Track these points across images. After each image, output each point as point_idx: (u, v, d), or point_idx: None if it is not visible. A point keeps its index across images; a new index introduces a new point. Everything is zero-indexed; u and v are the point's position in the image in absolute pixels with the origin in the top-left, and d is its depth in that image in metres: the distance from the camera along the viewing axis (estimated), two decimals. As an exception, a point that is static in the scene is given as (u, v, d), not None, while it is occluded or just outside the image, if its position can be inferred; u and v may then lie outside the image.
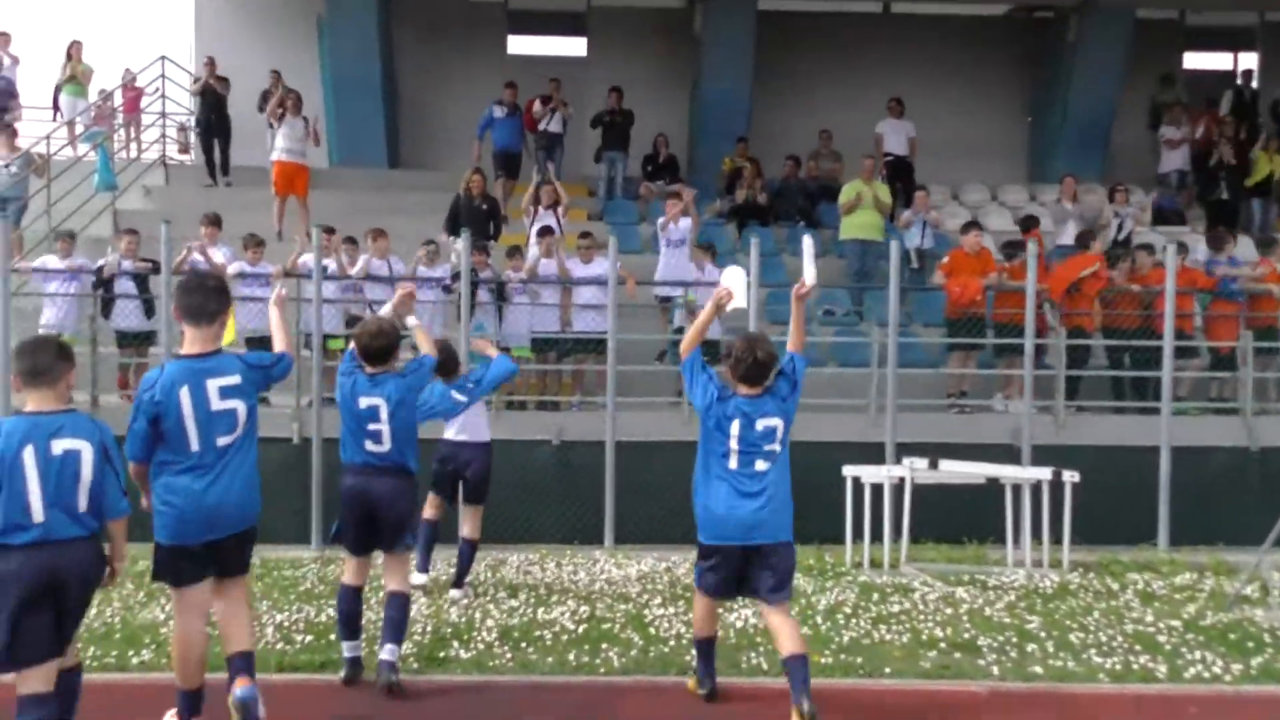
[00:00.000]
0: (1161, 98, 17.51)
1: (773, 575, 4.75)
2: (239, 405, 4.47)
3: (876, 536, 8.13)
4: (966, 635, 5.91)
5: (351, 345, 5.43)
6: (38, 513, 3.91)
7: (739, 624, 6.22)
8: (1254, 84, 17.75)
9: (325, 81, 16.15)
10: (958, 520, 8.89)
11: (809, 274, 5.23)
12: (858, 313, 12.76)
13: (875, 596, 6.90)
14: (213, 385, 4.41)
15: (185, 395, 4.35)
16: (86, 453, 4.01)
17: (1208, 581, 7.59)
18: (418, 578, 6.92)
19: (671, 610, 6.47)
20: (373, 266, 10.27)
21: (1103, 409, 10.62)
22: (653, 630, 6.02)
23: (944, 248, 12.96)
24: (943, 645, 5.74)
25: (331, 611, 5.96)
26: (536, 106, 14.78)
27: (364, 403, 5.22)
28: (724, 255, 12.12)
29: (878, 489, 8.17)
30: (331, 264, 9.93)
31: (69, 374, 4.21)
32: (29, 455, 3.93)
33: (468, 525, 7.07)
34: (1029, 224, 12.27)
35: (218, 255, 9.97)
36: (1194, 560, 8.49)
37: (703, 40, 16.28)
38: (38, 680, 3.93)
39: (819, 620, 6.25)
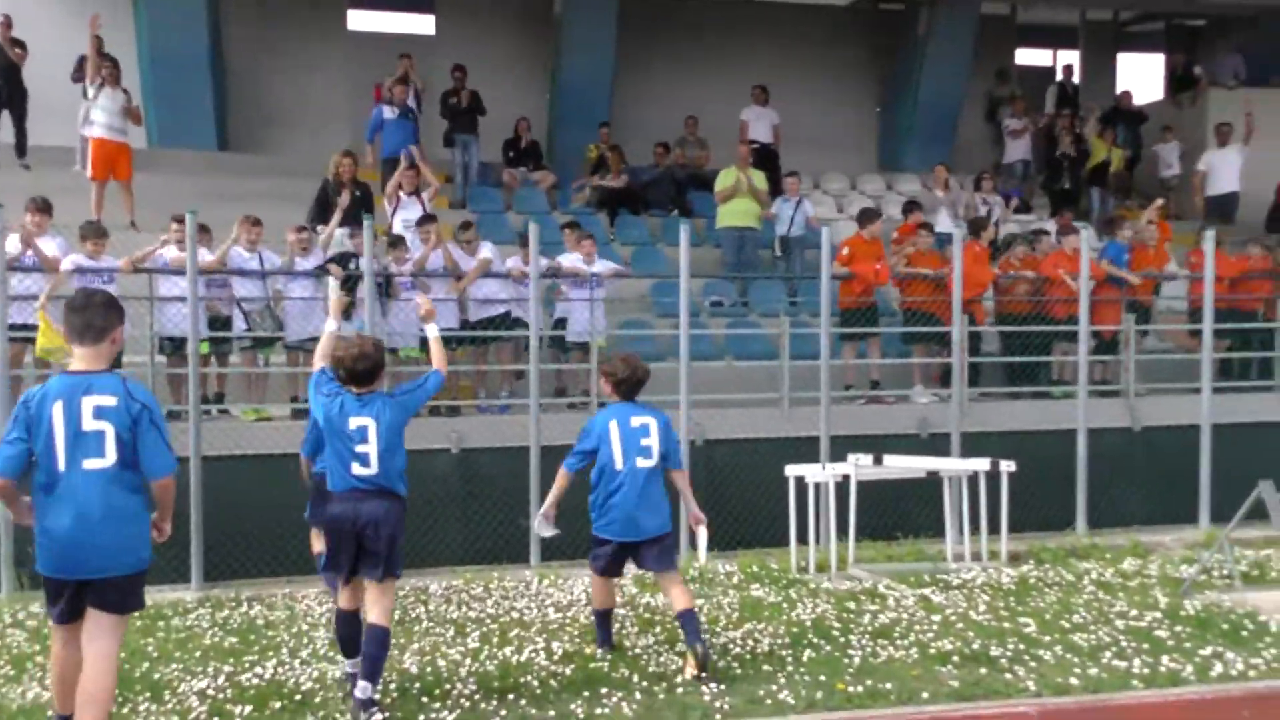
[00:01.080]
0: (998, 91, 18.17)
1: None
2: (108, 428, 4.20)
3: (803, 538, 7.77)
4: (975, 645, 5.57)
5: (325, 364, 5.19)
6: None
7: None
8: (1075, 79, 18.65)
9: (142, 55, 14.40)
10: (884, 516, 8.68)
11: None
12: (744, 303, 12.43)
13: (851, 606, 6.50)
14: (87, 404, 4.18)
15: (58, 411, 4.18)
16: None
17: (1152, 566, 7.62)
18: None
19: (650, 639, 5.84)
20: (237, 259, 9.05)
21: (1000, 395, 10.69)
22: (646, 666, 5.37)
23: (813, 236, 12.93)
24: (955, 659, 5.38)
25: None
26: (398, 89, 13.68)
27: (354, 423, 4.99)
28: (601, 247, 11.54)
29: (809, 488, 7.80)
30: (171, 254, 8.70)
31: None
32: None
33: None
34: (910, 209, 12.31)
35: (49, 247, 8.50)
36: (1113, 543, 8.61)
37: (564, 22, 15.54)
38: None
39: (816, 640, 5.76)
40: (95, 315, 4.27)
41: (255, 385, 9.21)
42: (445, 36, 16.70)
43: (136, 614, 4.66)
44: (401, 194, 10.71)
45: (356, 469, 4.97)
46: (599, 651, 5.66)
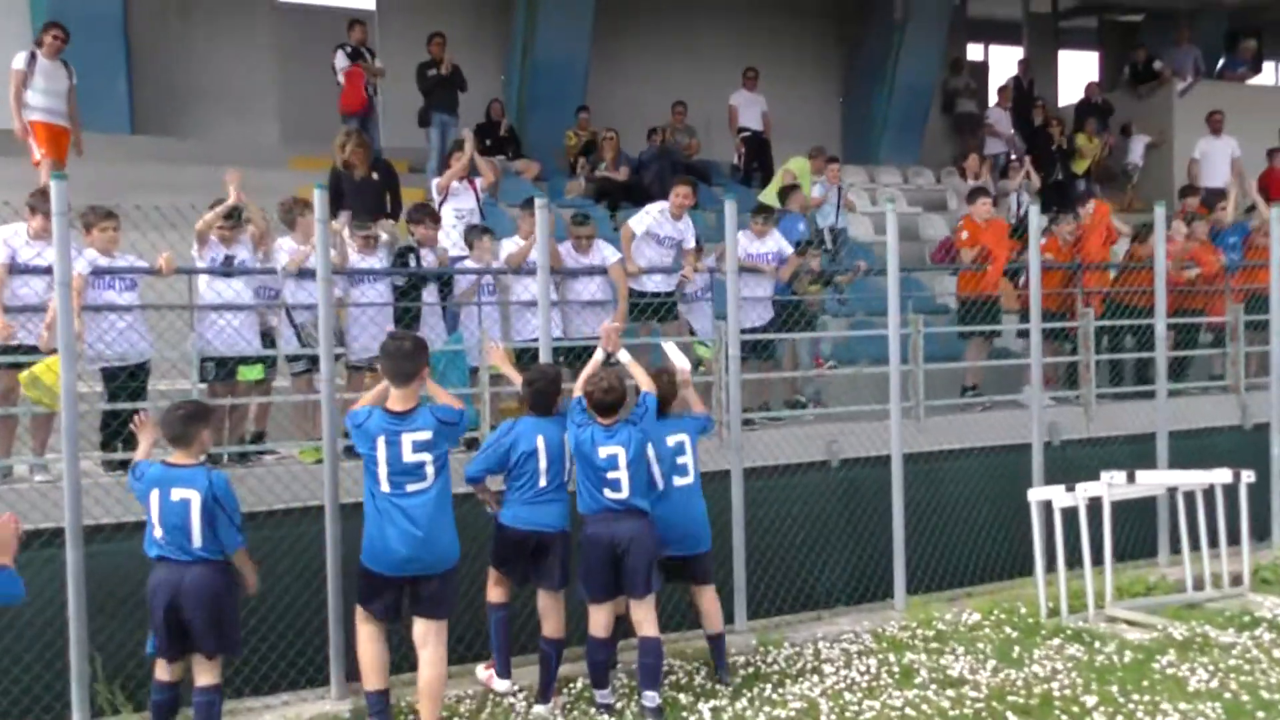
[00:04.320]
0: (953, 83, 17.71)
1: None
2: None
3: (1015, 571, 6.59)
4: None
5: (578, 395, 5.39)
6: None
7: None
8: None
9: (37, 14, 11.76)
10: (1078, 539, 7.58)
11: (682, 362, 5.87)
12: (840, 300, 11.05)
13: (1179, 659, 5.28)
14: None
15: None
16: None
17: None
18: (500, 684, 5.58)
19: None
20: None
21: (1130, 395, 9.75)
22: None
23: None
24: None
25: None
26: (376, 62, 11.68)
27: (603, 452, 5.23)
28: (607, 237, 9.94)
29: (1057, 512, 6.58)
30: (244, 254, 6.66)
31: (202, 435, 4.83)
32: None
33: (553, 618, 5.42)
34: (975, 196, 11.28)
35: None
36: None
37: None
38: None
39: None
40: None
41: (309, 417, 7.14)
42: (388, 11, 14.64)
43: None
44: (454, 181, 8.79)
45: (609, 494, 5.23)
46: None
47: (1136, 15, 19.14)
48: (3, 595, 3.56)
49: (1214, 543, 6.94)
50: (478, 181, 8.99)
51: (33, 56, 9.25)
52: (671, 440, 5.52)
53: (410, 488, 4.82)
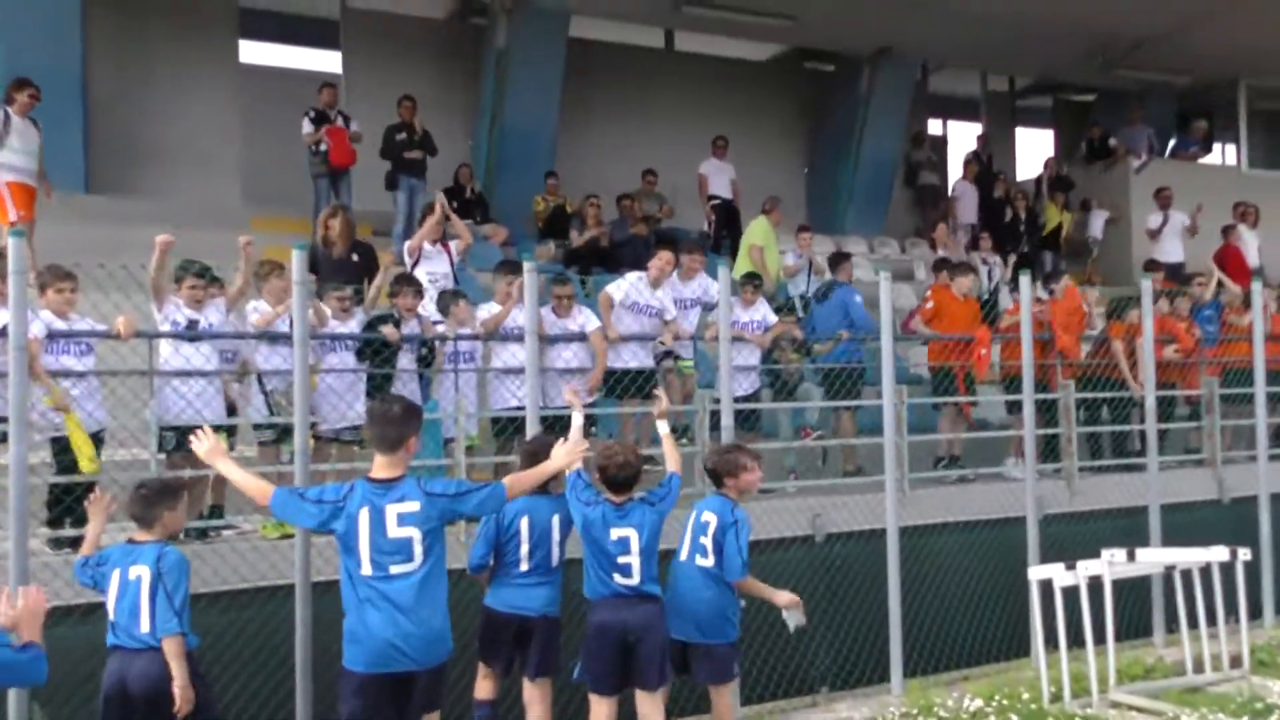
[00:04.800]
0: (915, 156, 17.94)
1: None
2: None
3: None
4: None
5: (578, 468, 4.97)
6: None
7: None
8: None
9: (-6, 71, 11.40)
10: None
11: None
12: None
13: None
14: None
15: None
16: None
17: None
18: None
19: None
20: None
21: (1111, 468, 9.65)
22: None
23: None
24: None
25: None
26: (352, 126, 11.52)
27: (615, 534, 4.89)
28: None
29: (1058, 591, 6.37)
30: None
31: (165, 516, 4.50)
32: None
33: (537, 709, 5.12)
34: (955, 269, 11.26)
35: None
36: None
37: (509, 61, 13.72)
38: None
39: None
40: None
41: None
42: (355, 75, 14.49)
43: None
44: (426, 244, 8.53)
45: (619, 579, 4.91)
46: None
47: (1089, 95, 19.63)
48: (26, 675, 3.20)
49: (1211, 622, 6.76)
50: (453, 245, 8.74)
51: (5, 115, 8.99)
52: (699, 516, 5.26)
53: (394, 569, 4.26)
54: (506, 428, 7.31)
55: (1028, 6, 13.97)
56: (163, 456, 6.07)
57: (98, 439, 6.10)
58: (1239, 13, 14.23)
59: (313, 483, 5.36)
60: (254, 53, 14.04)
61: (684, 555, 5.25)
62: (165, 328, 6.33)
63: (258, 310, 6.66)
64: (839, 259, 10.27)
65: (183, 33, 13.32)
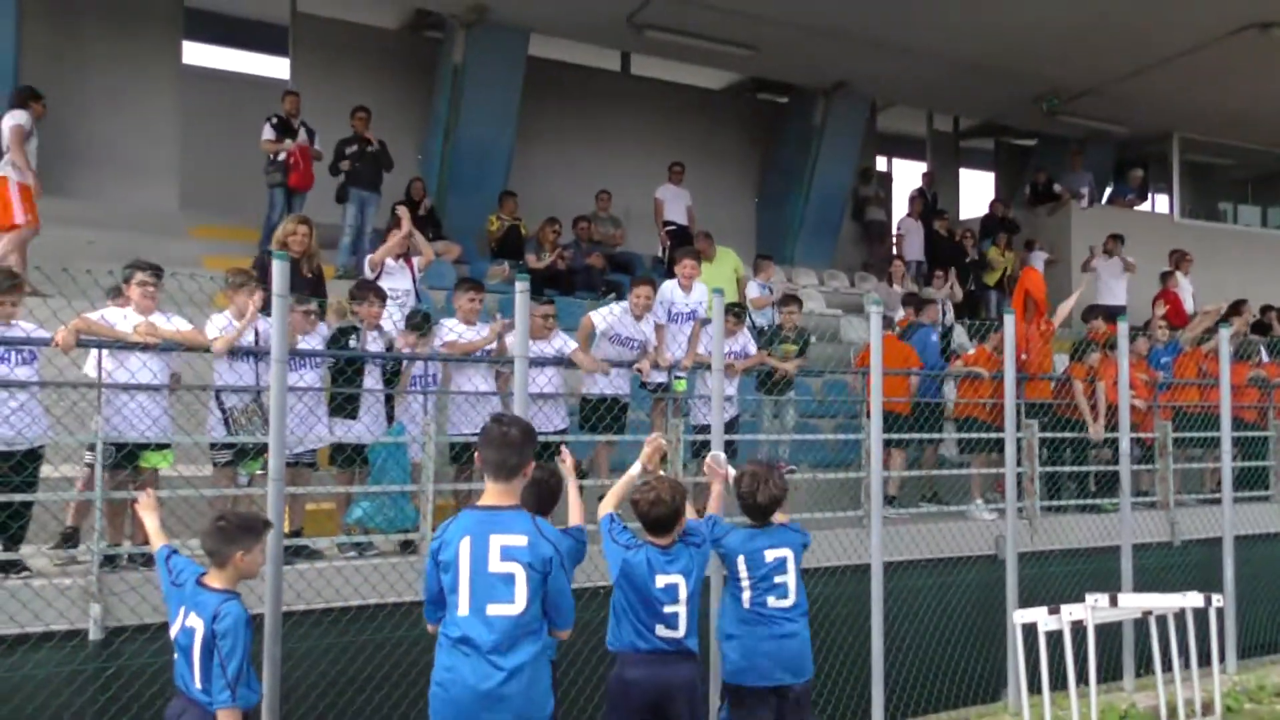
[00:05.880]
0: (863, 191, 18.08)
1: None
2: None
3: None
4: None
5: (611, 511, 4.58)
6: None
7: None
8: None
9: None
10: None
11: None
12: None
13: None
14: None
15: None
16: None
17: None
18: None
19: None
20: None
21: (1070, 509, 9.65)
22: None
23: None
24: None
25: None
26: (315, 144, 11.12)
27: (661, 581, 4.39)
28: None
29: (1036, 633, 6.26)
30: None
31: (237, 557, 3.99)
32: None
33: None
34: (910, 302, 11.27)
35: None
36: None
37: (467, 78, 13.42)
38: None
39: None
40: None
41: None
42: (303, 83, 14.01)
43: None
44: (389, 259, 8.18)
45: (661, 631, 4.39)
46: None
47: (1031, 140, 20.05)
48: None
49: (1185, 666, 6.74)
50: (415, 261, 8.40)
51: (30, 122, 9.35)
52: (771, 556, 4.67)
53: (491, 610, 3.65)
54: (461, 454, 6.99)
55: (981, 47, 14.18)
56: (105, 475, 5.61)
57: (35, 454, 5.64)
58: (1169, 71, 14.67)
59: (284, 507, 5.00)
60: (198, 54, 13.50)
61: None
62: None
63: (213, 323, 6.24)
64: (923, 303, 10.23)
65: (124, 31, 12.75)
